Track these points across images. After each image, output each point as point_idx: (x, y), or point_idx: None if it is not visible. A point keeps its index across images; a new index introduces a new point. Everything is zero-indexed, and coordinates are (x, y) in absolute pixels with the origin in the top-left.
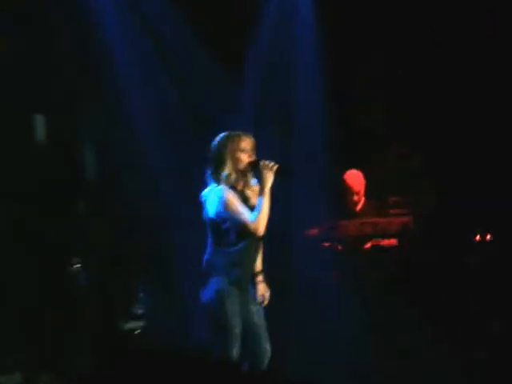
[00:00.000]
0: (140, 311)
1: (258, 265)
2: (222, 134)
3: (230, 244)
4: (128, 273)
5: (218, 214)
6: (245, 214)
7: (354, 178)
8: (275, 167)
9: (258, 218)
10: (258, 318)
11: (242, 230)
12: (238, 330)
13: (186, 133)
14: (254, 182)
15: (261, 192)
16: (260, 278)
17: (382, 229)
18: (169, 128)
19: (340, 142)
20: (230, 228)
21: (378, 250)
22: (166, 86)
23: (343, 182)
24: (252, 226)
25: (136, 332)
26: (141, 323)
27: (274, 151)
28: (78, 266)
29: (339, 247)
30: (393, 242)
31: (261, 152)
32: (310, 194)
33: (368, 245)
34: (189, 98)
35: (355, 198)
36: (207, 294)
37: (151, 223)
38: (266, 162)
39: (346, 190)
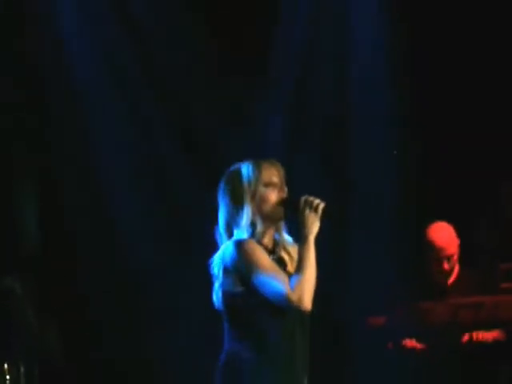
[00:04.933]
0: None
1: None
2: (232, 167)
3: (260, 333)
4: None
5: (237, 283)
6: (280, 278)
7: (444, 234)
8: (322, 206)
9: (301, 284)
10: None
11: (278, 306)
12: None
13: (178, 173)
14: (288, 239)
15: (302, 246)
16: None
17: (490, 314)
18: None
19: (419, 176)
20: (259, 305)
21: (485, 349)
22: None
23: (426, 240)
24: (293, 297)
25: None
26: None
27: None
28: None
29: (418, 346)
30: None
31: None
32: (373, 259)
33: (467, 339)
34: (175, 112)
35: (445, 265)
36: None
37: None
38: (310, 199)
39: (430, 253)
